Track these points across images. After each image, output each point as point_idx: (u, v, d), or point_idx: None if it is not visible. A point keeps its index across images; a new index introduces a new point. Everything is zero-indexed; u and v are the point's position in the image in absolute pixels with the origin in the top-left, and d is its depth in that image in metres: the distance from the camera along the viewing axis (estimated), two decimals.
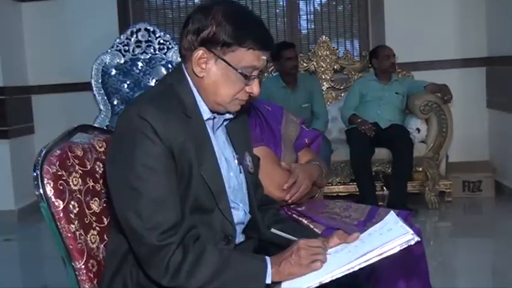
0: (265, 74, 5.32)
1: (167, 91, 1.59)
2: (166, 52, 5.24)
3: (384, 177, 4.91)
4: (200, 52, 1.55)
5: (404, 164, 4.69)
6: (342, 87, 5.52)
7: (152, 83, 5.23)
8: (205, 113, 1.61)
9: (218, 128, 1.67)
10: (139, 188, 1.45)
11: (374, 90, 5.02)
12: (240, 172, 1.68)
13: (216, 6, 1.56)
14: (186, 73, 1.61)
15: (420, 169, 4.82)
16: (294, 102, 4.95)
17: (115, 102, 5.27)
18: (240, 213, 1.65)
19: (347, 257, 1.43)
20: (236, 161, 1.68)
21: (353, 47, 5.81)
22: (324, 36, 5.58)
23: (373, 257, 1.40)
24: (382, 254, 1.39)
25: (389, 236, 1.43)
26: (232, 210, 1.61)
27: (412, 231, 1.40)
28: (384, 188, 4.86)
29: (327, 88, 5.53)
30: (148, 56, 5.25)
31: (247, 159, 1.70)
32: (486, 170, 5.20)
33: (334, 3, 5.78)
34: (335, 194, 4.90)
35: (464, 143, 5.45)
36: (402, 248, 1.39)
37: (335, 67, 5.54)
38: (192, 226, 1.51)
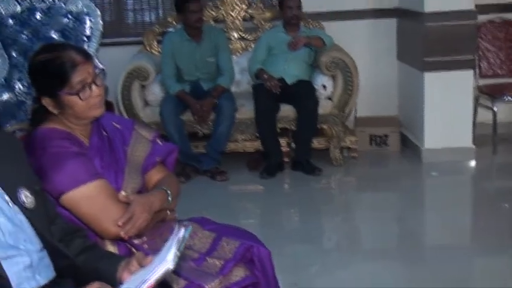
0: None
1: None
2: (66, 1, 5.07)
3: (291, 134, 4.98)
4: None
5: (309, 121, 4.79)
6: (251, 37, 5.47)
7: (52, 34, 5.07)
8: None
9: None
10: None
11: (281, 42, 5.00)
12: (18, 213, 1.64)
13: None
14: None
15: (326, 126, 4.91)
16: (199, 56, 4.94)
17: (13, 54, 5.11)
18: (22, 259, 1.61)
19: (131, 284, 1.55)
20: (8, 203, 1.63)
21: None
22: None
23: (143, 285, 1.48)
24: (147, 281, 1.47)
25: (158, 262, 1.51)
26: (7, 260, 1.58)
27: (171, 260, 1.46)
28: (292, 144, 4.94)
29: (237, 39, 5.49)
30: (47, 5, 5.08)
31: (22, 196, 1.66)
32: (393, 124, 5.35)
33: None
34: (241, 151, 4.98)
35: (374, 96, 5.58)
36: (160, 276, 1.46)
37: (244, 16, 5.48)
38: None
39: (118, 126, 2.18)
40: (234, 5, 5.47)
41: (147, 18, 5.82)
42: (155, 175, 2.21)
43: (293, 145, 4.93)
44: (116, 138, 2.14)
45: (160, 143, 2.25)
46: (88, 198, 1.93)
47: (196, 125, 4.87)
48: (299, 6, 5.00)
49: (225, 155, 4.91)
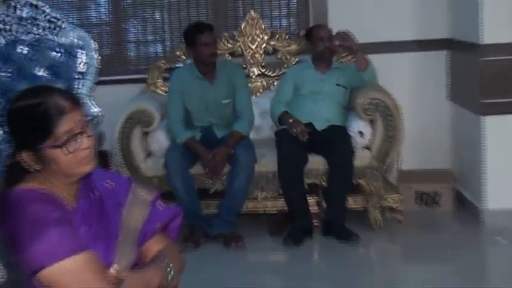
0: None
1: None
2: (57, 33, 5.02)
3: (321, 191, 4.86)
4: None
5: (343, 175, 4.67)
6: (274, 74, 5.45)
7: (39, 71, 4.98)
8: None
9: None
10: None
11: (310, 81, 4.98)
12: None
13: None
14: None
15: (363, 181, 4.77)
16: (212, 97, 4.89)
17: None
18: None
19: None
20: None
21: (290, 25, 5.81)
22: (253, 12, 5.48)
23: None
24: None
25: None
26: None
27: None
28: (323, 203, 4.82)
29: (257, 76, 5.47)
30: (34, 37, 5.03)
31: None
32: (445, 179, 5.28)
33: None
34: (261, 212, 4.87)
35: (422, 145, 5.53)
36: None
37: (266, 49, 5.47)
38: None
39: (111, 185, 2.16)
40: (254, 36, 5.45)
41: (151, 52, 5.85)
42: (154, 246, 2.17)
43: (324, 205, 4.80)
44: (108, 200, 2.12)
45: (161, 206, 2.21)
46: (71, 274, 1.87)
47: (208, 179, 4.78)
48: (330, 37, 4.97)
49: (242, 217, 4.79)
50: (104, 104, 4.87)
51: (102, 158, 4.98)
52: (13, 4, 5.01)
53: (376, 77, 5.03)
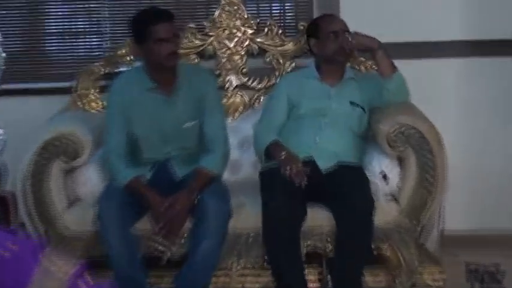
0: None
1: None
2: None
3: (326, 260, 4.65)
4: None
5: (358, 238, 4.48)
6: (261, 86, 5.44)
7: None
8: None
9: None
10: None
11: (312, 97, 4.91)
12: None
13: None
14: None
15: (387, 247, 4.58)
16: (171, 119, 4.70)
17: None
18: None
19: None
20: None
21: (284, 14, 5.87)
22: None
23: None
24: None
25: None
26: None
27: None
28: (328, 279, 4.61)
29: (236, 87, 5.45)
30: None
31: None
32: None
33: None
34: None
35: (476, 195, 5.55)
36: None
37: (250, 48, 5.47)
38: None
39: (13, 250, 2.18)
40: (233, 29, 5.44)
41: (82, 49, 5.90)
42: None
43: (329, 281, 4.59)
44: (6, 273, 2.16)
45: (88, 283, 2.27)
46: None
47: (160, 241, 4.59)
48: (346, 32, 4.90)
49: None
50: (8, 124, 4.82)
51: (1, 206, 4.86)
52: None
53: (407, 92, 4.90)
